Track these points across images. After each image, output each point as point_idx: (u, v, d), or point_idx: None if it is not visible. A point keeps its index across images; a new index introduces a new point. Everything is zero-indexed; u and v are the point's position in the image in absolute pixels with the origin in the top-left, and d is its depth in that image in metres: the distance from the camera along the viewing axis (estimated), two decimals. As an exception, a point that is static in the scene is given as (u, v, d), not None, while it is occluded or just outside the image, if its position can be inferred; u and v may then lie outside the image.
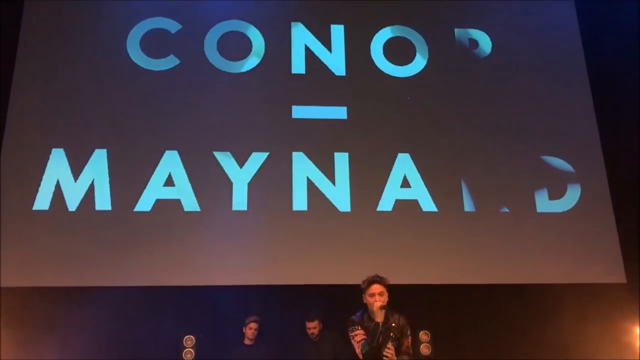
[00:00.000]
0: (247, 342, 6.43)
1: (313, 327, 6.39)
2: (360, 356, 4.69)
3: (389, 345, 4.63)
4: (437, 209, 7.14)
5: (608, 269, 6.91)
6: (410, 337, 4.88)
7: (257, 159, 7.07)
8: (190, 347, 6.43)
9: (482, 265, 6.95)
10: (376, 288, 4.70)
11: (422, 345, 6.52)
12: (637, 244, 7.05)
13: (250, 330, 6.33)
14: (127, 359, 6.41)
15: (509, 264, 7.01)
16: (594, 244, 7.07)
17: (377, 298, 4.64)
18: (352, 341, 4.71)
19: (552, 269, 6.93)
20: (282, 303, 6.75)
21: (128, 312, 6.54)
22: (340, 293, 6.23)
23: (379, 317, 4.63)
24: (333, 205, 7.03)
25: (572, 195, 7.29)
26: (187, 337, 6.47)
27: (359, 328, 4.69)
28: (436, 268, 6.93)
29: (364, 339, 4.70)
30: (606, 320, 6.73)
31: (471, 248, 7.05)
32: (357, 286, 4.94)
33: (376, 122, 7.33)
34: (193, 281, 6.63)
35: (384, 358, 4.60)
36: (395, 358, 4.65)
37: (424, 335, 6.58)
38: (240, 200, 6.93)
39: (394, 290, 4.88)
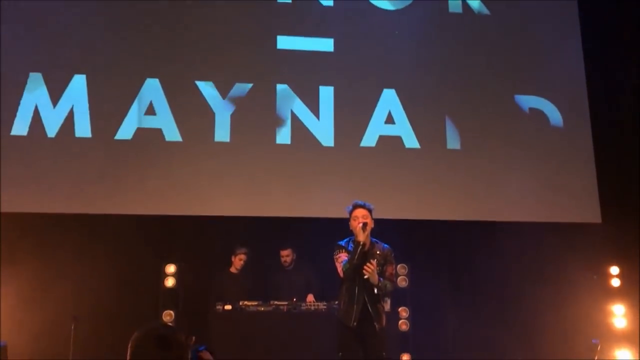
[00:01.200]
0: (233, 270, 6.53)
1: (286, 255, 6.53)
2: (341, 274, 4.77)
3: (371, 261, 4.70)
4: (420, 145, 7.11)
5: (584, 209, 6.99)
6: (394, 265, 4.97)
7: (240, 90, 6.92)
8: (172, 275, 6.42)
9: (463, 202, 6.99)
10: (359, 212, 4.78)
11: (399, 278, 6.52)
12: (614, 184, 7.12)
13: (240, 261, 6.43)
14: (107, 287, 6.42)
15: (490, 201, 7.04)
16: (572, 183, 7.09)
17: (360, 220, 4.73)
18: (336, 264, 4.80)
19: (529, 207, 6.98)
20: (263, 234, 6.76)
21: (107, 240, 6.50)
22: (321, 226, 6.30)
23: (361, 237, 4.70)
24: (317, 140, 6.97)
25: (554, 134, 7.29)
26: (168, 265, 6.45)
27: (343, 251, 4.79)
28: (417, 204, 6.94)
29: (345, 259, 4.79)
30: (581, 258, 6.77)
31: (453, 185, 7.06)
32: (338, 219, 5.04)
33: (363, 56, 7.17)
34: (172, 211, 6.57)
35: (364, 271, 4.67)
36: (375, 275, 4.72)
37: (402, 269, 6.57)
38: (222, 132, 6.82)
39: (374, 225, 4.90)
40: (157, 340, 1.79)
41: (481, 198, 7.00)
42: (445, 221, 6.88)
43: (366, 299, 4.74)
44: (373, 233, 4.90)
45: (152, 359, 1.75)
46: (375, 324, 4.74)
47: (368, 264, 4.69)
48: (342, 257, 4.78)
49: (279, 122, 6.94)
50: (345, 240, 4.88)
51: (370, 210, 4.82)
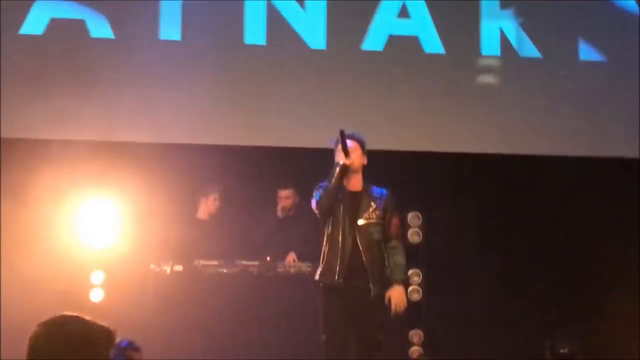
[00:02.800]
0: (202, 216, 6.13)
1: (286, 196, 6.09)
2: (317, 210, 4.41)
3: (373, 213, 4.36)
4: (445, 50, 6.33)
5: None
6: (399, 217, 4.65)
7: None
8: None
9: (492, 129, 6.35)
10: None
11: (411, 231, 5.98)
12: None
13: (215, 203, 6.08)
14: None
15: (527, 130, 6.37)
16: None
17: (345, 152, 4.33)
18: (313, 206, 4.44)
19: (567, 139, 6.42)
20: (228, 168, 6.02)
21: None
22: (306, 158, 5.92)
23: (351, 186, 4.39)
24: (301, 40, 6.23)
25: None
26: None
27: None
28: (436, 132, 6.33)
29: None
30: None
31: (484, 105, 6.36)
32: (328, 150, 4.56)
33: None
34: (104, 136, 5.86)
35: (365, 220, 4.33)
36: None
37: (414, 219, 6.02)
38: (170, 27, 6.04)
39: (376, 158, 4.56)
40: (65, 340, 1.62)
41: (519, 125, 6.38)
42: (471, 154, 6.31)
43: (359, 245, 4.31)
44: (372, 172, 4.54)
45: None
46: (370, 285, 4.26)
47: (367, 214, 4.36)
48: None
49: (248, 14, 6.19)
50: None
51: (362, 143, 4.44)
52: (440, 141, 6.32)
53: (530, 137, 6.42)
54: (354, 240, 4.33)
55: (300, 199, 6.05)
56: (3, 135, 5.73)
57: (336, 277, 4.28)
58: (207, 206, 6.10)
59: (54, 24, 5.87)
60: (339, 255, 4.31)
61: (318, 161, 5.40)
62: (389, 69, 6.29)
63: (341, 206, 4.31)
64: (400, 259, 4.45)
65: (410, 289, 5.84)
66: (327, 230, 4.39)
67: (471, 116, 6.38)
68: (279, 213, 6.11)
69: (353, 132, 4.44)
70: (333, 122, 5.70)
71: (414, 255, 5.82)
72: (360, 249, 4.31)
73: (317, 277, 4.42)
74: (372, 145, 4.59)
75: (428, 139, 6.31)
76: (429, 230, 6.05)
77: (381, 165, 4.76)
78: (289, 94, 6.18)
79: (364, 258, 4.32)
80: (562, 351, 4.03)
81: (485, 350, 5.97)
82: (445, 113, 6.35)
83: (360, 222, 4.34)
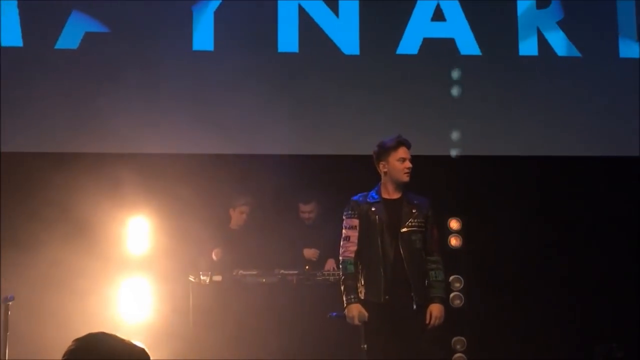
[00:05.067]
0: (233, 226, 6.07)
1: (308, 211, 6.02)
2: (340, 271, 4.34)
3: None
4: (482, 51, 6.25)
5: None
6: (439, 230, 4.55)
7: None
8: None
9: (532, 131, 6.22)
10: (406, 152, 4.28)
11: (451, 236, 5.91)
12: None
13: (242, 214, 5.97)
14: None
15: (566, 130, 6.22)
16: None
17: (409, 165, 4.25)
18: (343, 230, 4.30)
19: (609, 140, 6.25)
20: (264, 177, 5.90)
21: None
22: (340, 166, 5.92)
23: (391, 194, 4.28)
24: (335, 46, 6.19)
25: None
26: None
27: (356, 215, 4.28)
28: (475, 135, 6.20)
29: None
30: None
31: (522, 106, 6.23)
32: (364, 157, 4.57)
33: None
34: (137, 148, 5.85)
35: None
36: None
37: (454, 223, 5.95)
38: (203, 37, 6.04)
39: (414, 164, 4.41)
40: (99, 357, 1.59)
41: (559, 126, 6.22)
42: (511, 157, 6.19)
43: (402, 254, 4.17)
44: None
45: None
46: (413, 298, 4.14)
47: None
48: (351, 224, 4.26)
49: (282, 21, 6.17)
50: (362, 194, 4.36)
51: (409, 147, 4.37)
52: (479, 144, 6.23)
53: (570, 138, 6.27)
54: (397, 250, 4.21)
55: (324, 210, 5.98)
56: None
57: (382, 297, 4.16)
58: (235, 217, 6.05)
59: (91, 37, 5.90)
60: (382, 269, 4.19)
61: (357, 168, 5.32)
62: (424, 73, 6.19)
63: (377, 217, 4.21)
64: (441, 274, 4.33)
65: (452, 295, 5.74)
66: (363, 242, 4.26)
67: (510, 118, 6.31)
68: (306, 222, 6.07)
69: (400, 135, 4.34)
70: (370, 128, 5.79)
71: (455, 261, 5.75)
72: (403, 257, 4.19)
73: (362, 296, 4.25)
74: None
75: (467, 143, 6.21)
76: (470, 235, 5.92)
77: (419, 170, 4.63)
78: (324, 100, 6.11)
79: (407, 269, 4.20)
80: (618, 355, 3.90)
81: (529, 357, 5.79)
82: (483, 116, 6.27)
83: (403, 229, 4.21)
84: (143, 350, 1.66)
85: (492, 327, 5.90)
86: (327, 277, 5.47)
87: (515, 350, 5.92)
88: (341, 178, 5.92)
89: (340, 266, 4.29)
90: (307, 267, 5.55)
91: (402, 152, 4.26)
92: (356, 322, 4.11)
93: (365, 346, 4.17)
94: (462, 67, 6.24)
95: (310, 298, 5.39)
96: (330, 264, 5.70)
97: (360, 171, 4.77)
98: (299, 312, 5.34)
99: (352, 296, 4.13)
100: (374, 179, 4.38)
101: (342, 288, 4.19)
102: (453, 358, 5.66)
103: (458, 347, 5.67)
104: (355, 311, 4.11)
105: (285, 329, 5.23)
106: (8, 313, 4.01)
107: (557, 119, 6.33)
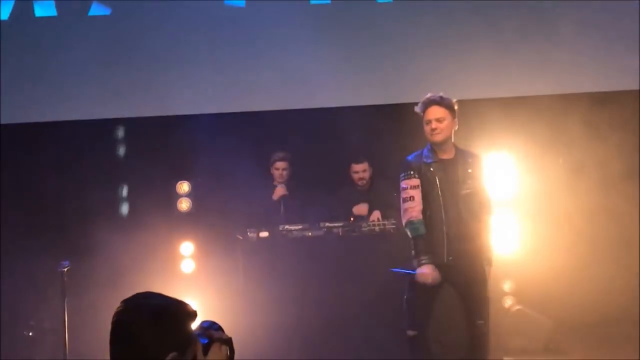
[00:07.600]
0: (276, 184, 5.77)
1: (362, 170, 5.65)
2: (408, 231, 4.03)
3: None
4: None
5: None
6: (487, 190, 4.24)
7: None
8: (186, 195, 5.71)
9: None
10: (433, 112, 4.01)
11: None
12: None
13: (279, 171, 5.62)
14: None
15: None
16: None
17: (434, 125, 3.98)
18: (401, 193, 4.07)
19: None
20: (299, 132, 5.80)
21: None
22: (385, 117, 5.65)
23: (443, 154, 4.04)
24: None
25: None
26: (180, 182, 5.71)
27: (414, 175, 4.03)
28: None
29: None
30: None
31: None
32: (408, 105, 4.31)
33: None
34: (178, 110, 5.82)
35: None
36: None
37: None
38: None
39: (464, 109, 4.22)
40: (146, 315, 1.61)
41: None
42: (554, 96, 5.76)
43: (463, 217, 3.99)
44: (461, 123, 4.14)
45: (144, 342, 1.57)
46: (478, 262, 4.02)
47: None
48: (412, 184, 3.99)
49: None
50: (415, 154, 4.14)
51: (451, 109, 4.02)
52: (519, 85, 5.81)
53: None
54: (457, 210, 3.99)
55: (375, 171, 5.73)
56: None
57: (445, 258, 3.96)
58: (274, 174, 5.77)
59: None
60: (445, 230, 3.99)
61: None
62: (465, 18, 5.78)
63: (436, 178, 3.98)
64: (492, 238, 4.14)
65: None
66: (424, 203, 4.02)
67: (549, 58, 5.81)
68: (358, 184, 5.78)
69: (442, 95, 4.06)
70: (415, 76, 5.64)
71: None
72: (464, 217, 3.99)
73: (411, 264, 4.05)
74: (456, 95, 4.21)
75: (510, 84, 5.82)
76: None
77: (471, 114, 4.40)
78: (356, 50, 5.90)
79: (469, 228, 3.99)
80: None
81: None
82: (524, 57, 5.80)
83: (463, 192, 4.00)
84: (190, 306, 1.66)
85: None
86: (373, 227, 5.32)
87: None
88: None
89: (408, 228, 4.02)
90: (351, 218, 5.43)
91: (428, 113, 4.04)
92: (430, 282, 3.93)
93: (414, 332, 4.05)
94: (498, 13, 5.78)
95: (357, 248, 5.24)
96: (375, 215, 5.53)
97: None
98: (346, 262, 5.20)
99: (427, 257, 3.93)
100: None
101: (414, 250, 3.99)
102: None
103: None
104: (430, 272, 3.91)
105: (333, 279, 5.09)
106: (64, 279, 4.05)
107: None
